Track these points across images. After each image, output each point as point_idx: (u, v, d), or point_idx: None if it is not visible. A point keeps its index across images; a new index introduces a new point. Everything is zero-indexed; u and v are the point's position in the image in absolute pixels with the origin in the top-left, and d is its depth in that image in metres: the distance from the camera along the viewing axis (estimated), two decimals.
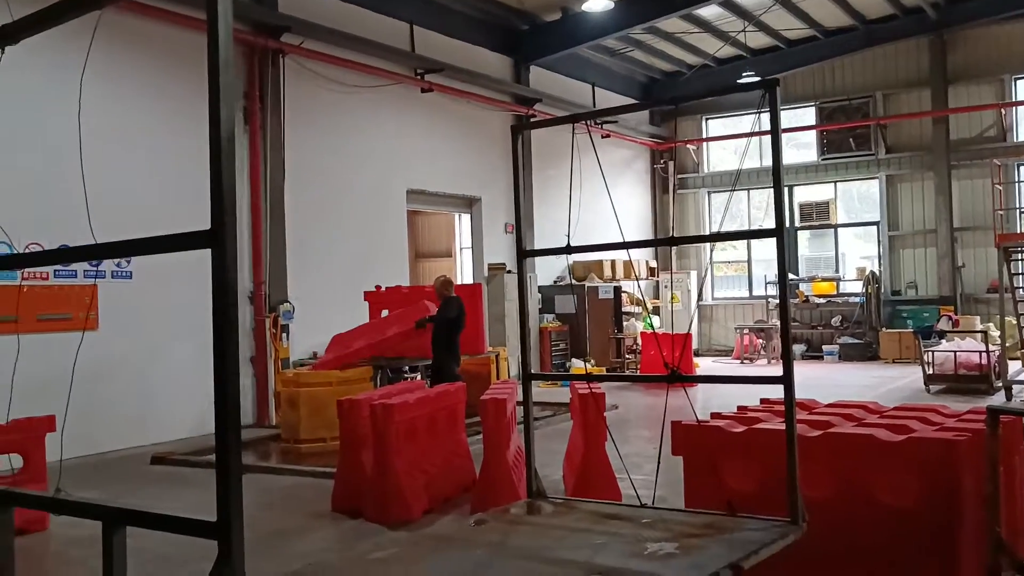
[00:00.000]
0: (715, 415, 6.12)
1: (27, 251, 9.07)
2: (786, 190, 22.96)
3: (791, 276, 22.07)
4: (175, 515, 2.35)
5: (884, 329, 20.60)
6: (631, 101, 22.50)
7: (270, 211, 12.89)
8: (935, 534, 4.60)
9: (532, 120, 14.42)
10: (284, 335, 12.71)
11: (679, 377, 5.03)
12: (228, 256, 2.26)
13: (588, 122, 6.84)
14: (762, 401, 6.83)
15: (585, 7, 16.99)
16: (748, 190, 22.88)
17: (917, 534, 4.63)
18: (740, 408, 6.53)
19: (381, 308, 12.78)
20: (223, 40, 2.22)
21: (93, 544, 6.37)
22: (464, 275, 18.40)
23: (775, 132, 4.63)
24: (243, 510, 2.25)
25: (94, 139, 9.92)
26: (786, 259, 4.69)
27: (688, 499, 5.55)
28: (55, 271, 10.43)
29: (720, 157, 24.20)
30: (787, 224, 5.77)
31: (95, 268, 10.79)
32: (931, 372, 14.32)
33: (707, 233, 22.43)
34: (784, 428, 4.89)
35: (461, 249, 18.74)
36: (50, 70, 9.78)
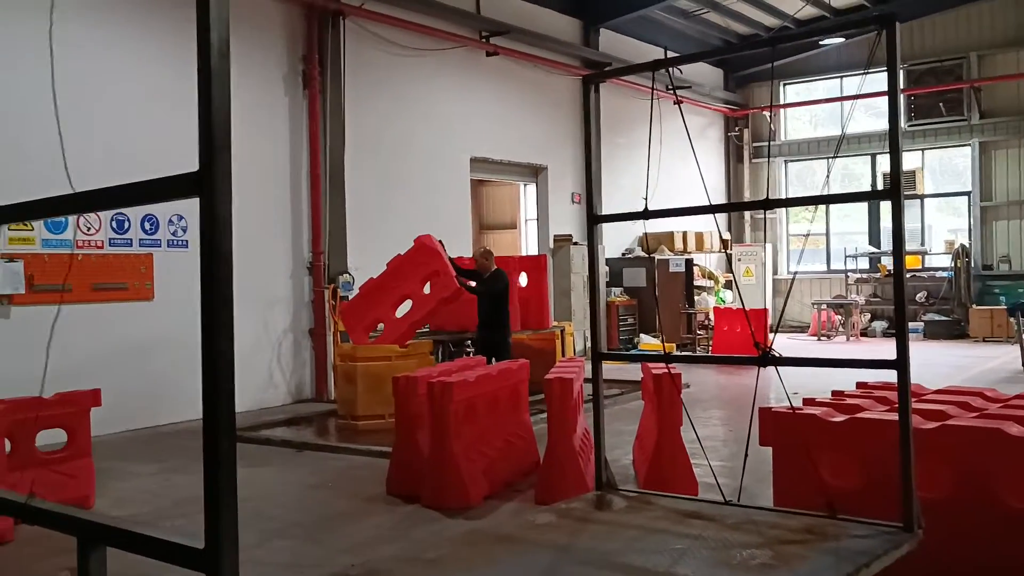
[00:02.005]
0: (808, 401, 5.48)
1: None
2: (867, 159, 22.05)
3: (872, 249, 20.97)
4: (159, 536, 1.85)
5: (973, 306, 19.43)
6: (705, 66, 21.58)
7: (329, 179, 12.49)
8: None
9: (606, 72, 13.65)
10: None
11: (773, 360, 4.40)
12: (219, 206, 1.74)
13: (665, 87, 6.20)
14: (858, 385, 6.16)
15: None
16: (828, 158, 21.78)
17: None
18: (835, 393, 5.88)
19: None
20: None
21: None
22: (529, 247, 17.83)
23: (893, 74, 3.95)
24: (238, 536, 1.74)
25: (73, 83, 9.33)
26: (902, 225, 4.02)
27: (778, 496, 4.95)
28: (110, 240, 10.18)
29: (795, 127, 23.12)
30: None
31: (151, 236, 10.53)
32: None
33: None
34: (893, 418, 4.25)
35: (526, 220, 18.15)
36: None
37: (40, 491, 6.40)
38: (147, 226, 10.49)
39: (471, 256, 11.74)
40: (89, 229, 9.99)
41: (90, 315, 9.94)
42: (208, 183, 1.72)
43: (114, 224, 10.21)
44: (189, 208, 10.34)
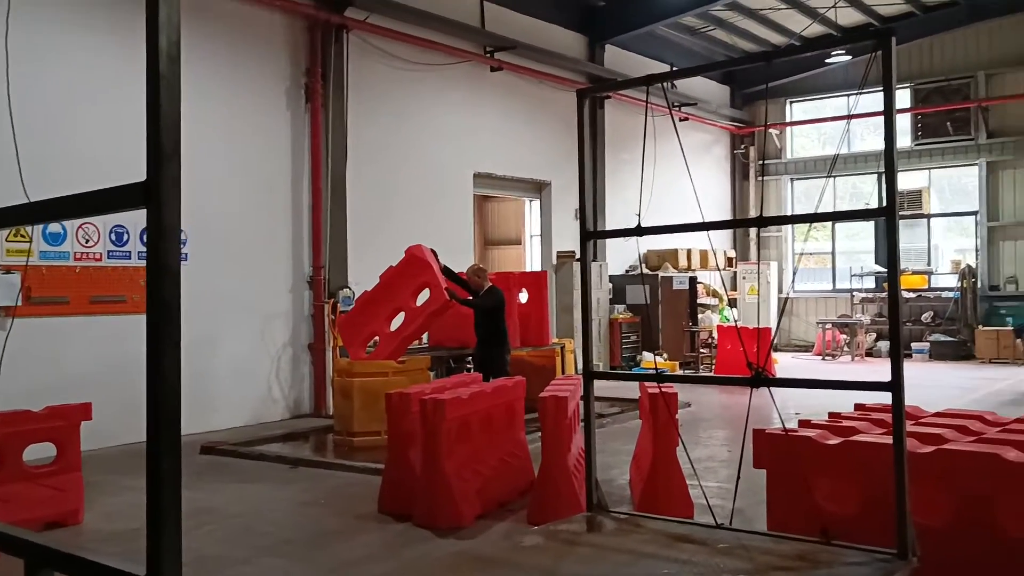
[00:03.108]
0: (804, 423, 5.38)
1: None
2: (873, 177, 21.95)
3: (878, 269, 20.83)
4: (100, 562, 1.77)
5: (980, 326, 19.25)
6: (712, 83, 21.55)
7: (331, 193, 12.45)
8: None
9: (601, 86, 13.56)
10: None
11: (764, 380, 4.31)
12: (168, 218, 1.67)
13: (666, 104, 6.14)
14: (856, 407, 6.05)
15: None
16: (834, 177, 21.68)
17: None
18: (832, 415, 5.77)
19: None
20: None
21: (130, 542, 5.92)
22: (534, 263, 17.75)
23: (888, 91, 3.87)
24: (181, 560, 1.65)
25: (38, 92, 9.18)
26: (897, 243, 3.93)
27: (771, 520, 4.84)
28: (109, 252, 10.15)
29: (802, 144, 23.07)
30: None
31: None
32: None
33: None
34: (890, 442, 4.15)
35: (531, 236, 18.09)
36: None
37: (27, 506, 6.35)
38: (146, 239, 10.44)
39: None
40: (88, 241, 9.96)
41: (88, 328, 9.90)
42: (155, 193, 1.64)
43: (113, 236, 10.18)
44: (189, 221, 10.29)
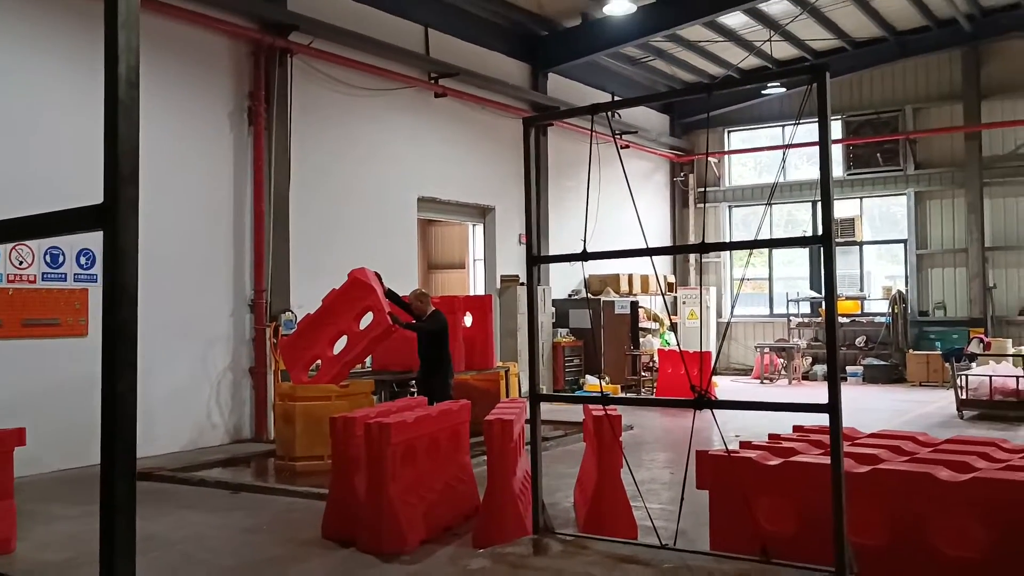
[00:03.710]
0: (745, 444, 5.49)
1: None
2: (809, 205, 22.55)
3: (813, 294, 21.35)
4: None
5: (911, 351, 19.85)
6: (652, 112, 21.94)
7: (274, 216, 12.35)
8: None
9: (546, 115, 13.76)
10: None
11: (707, 403, 4.41)
12: (124, 241, 1.67)
13: (610, 132, 6.27)
14: (795, 428, 6.20)
15: (606, 10, 16.43)
16: (770, 205, 22.24)
17: None
18: (772, 436, 5.90)
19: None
20: None
21: (63, 572, 5.77)
22: (477, 287, 17.80)
23: (823, 122, 4.03)
24: None
25: None
26: (833, 270, 4.07)
27: (714, 540, 4.93)
28: (43, 274, 9.92)
29: (740, 172, 23.62)
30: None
31: (86, 271, 10.28)
32: (964, 397, 13.59)
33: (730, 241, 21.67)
34: (827, 462, 4.27)
35: (475, 261, 18.16)
36: None
37: None
38: (83, 260, 10.24)
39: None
40: (21, 263, 9.72)
41: (19, 351, 9.64)
42: (112, 216, 1.65)
43: (48, 258, 9.96)
44: None
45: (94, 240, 10.13)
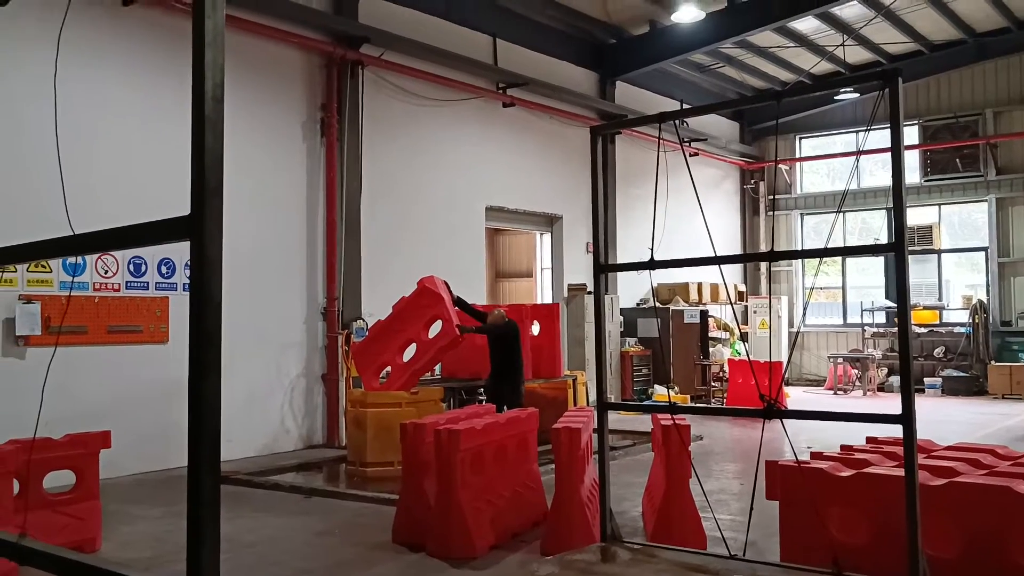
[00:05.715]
0: (816, 455, 5.42)
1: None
2: (883, 213, 22.01)
3: (888, 303, 20.83)
4: None
5: (992, 362, 19.20)
6: (722, 119, 21.74)
7: (346, 226, 12.60)
8: None
9: (614, 123, 13.74)
10: None
11: (776, 412, 4.37)
12: (210, 251, 1.77)
13: (678, 140, 6.29)
14: (868, 440, 6.09)
15: (674, 18, 16.36)
16: (844, 212, 21.79)
17: None
18: (844, 447, 5.81)
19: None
20: None
21: (148, 568, 5.98)
22: (544, 295, 17.85)
23: (896, 128, 3.97)
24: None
25: (73, 128, 9.56)
26: (906, 278, 4.01)
27: (784, 551, 4.87)
28: (127, 283, 10.29)
29: (812, 180, 23.21)
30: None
31: (167, 280, 10.63)
32: None
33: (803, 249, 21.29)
34: (902, 474, 4.19)
35: (542, 269, 18.22)
36: (20, 49, 9.34)
37: (47, 533, 6.42)
38: (164, 269, 10.60)
39: (484, 304, 11.78)
40: (106, 272, 10.11)
41: (105, 357, 10.02)
42: (199, 226, 1.74)
43: (131, 267, 10.33)
44: None
45: (174, 250, 10.47)
